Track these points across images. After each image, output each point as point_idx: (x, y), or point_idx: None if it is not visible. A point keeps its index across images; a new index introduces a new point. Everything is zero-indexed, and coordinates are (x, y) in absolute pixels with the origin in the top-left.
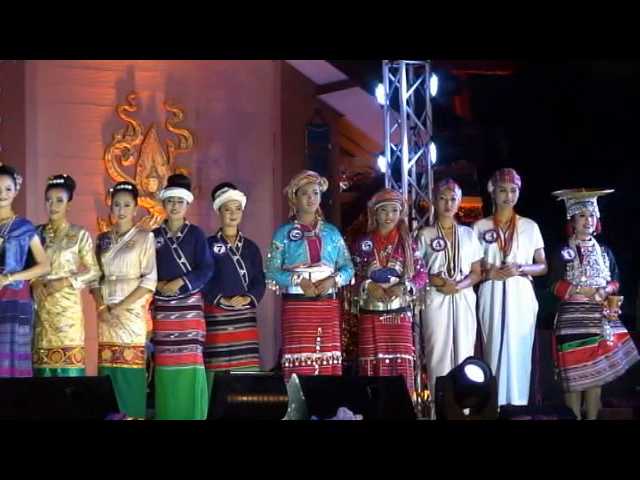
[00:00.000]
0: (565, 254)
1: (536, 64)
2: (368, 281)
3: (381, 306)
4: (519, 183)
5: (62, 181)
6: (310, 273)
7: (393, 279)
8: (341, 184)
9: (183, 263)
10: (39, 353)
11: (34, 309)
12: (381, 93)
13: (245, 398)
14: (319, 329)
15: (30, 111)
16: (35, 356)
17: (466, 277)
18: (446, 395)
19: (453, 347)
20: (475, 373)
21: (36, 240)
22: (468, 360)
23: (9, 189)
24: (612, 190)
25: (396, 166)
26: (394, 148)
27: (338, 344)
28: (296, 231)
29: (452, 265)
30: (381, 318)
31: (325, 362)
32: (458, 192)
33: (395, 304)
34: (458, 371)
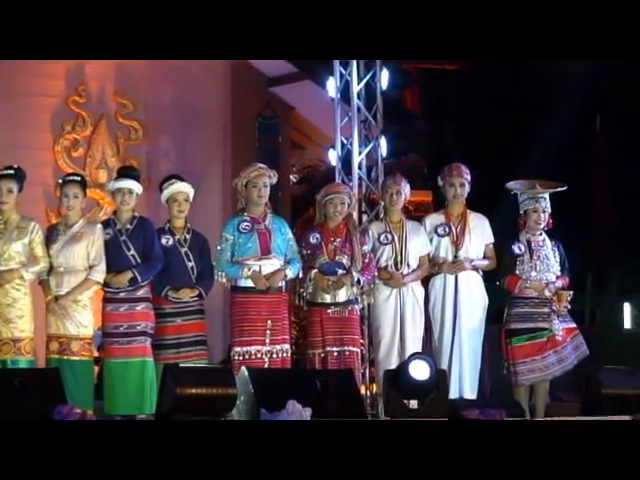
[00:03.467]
0: (516, 248)
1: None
2: (314, 271)
3: (328, 298)
4: (468, 178)
5: (12, 172)
6: (260, 266)
7: (340, 271)
8: (291, 177)
9: (132, 255)
10: None
11: None
12: (332, 86)
13: (194, 390)
14: (269, 322)
15: None
16: None
17: (413, 271)
18: (392, 391)
19: (400, 340)
20: (420, 369)
21: None
22: (413, 356)
23: None
24: (566, 187)
25: (346, 159)
26: (344, 141)
27: (287, 337)
28: (246, 223)
29: (399, 259)
30: (329, 311)
31: (275, 355)
32: (405, 186)
33: (342, 296)
34: (403, 367)
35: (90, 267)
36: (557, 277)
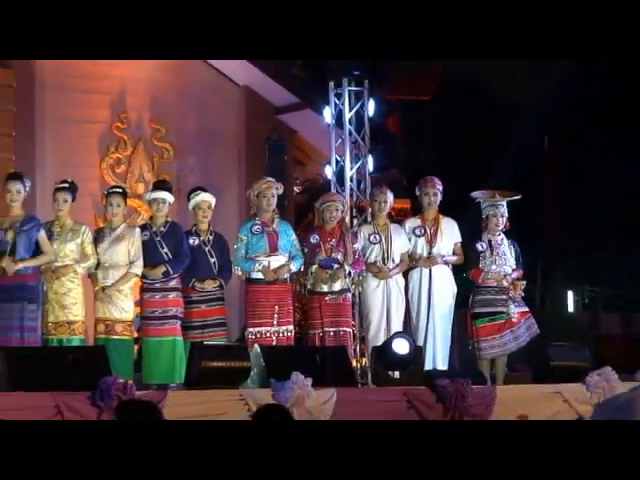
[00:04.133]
0: (479, 246)
1: (449, 91)
2: (315, 266)
3: (326, 288)
4: (440, 188)
5: (67, 185)
6: (269, 261)
7: (336, 266)
8: (295, 188)
9: (165, 253)
10: (48, 326)
11: (43, 290)
12: (328, 114)
13: (215, 364)
14: (276, 307)
15: (39, 128)
16: (44, 329)
17: (397, 265)
18: (378, 364)
19: (386, 322)
20: (401, 345)
21: (42, 234)
22: (396, 334)
23: (19, 192)
24: (520, 196)
25: (340, 174)
26: (338, 159)
27: (291, 320)
28: (257, 226)
29: (386, 255)
30: (326, 298)
31: (281, 334)
32: (390, 196)
33: (337, 286)
34: (387, 344)
35: (130, 263)
36: (513, 270)
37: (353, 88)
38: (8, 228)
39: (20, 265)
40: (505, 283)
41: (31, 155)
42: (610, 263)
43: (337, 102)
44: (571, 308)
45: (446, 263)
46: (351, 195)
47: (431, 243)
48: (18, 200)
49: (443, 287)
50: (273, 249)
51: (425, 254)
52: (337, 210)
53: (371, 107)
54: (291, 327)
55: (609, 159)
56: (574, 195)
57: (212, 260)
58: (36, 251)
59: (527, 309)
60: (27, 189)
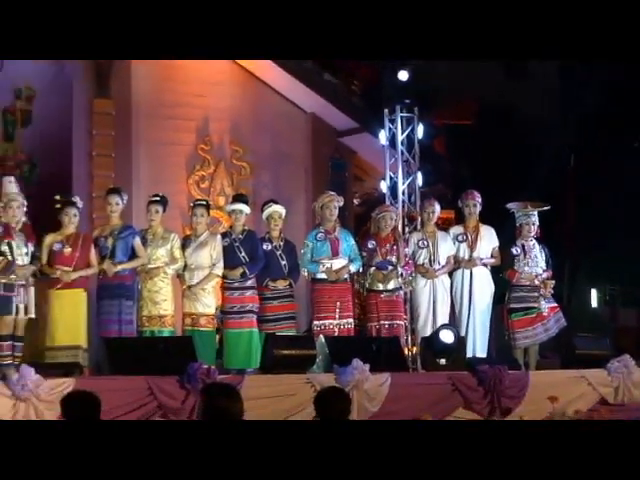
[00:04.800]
0: (513, 250)
1: (486, 116)
2: (372, 268)
3: (381, 287)
4: (479, 200)
5: (159, 198)
6: (332, 264)
7: (390, 268)
8: (354, 201)
9: (243, 256)
10: (142, 319)
11: (138, 289)
12: (383, 136)
13: (286, 352)
14: (338, 303)
15: (135, 150)
16: (139, 322)
17: (442, 267)
18: (427, 352)
19: (433, 315)
20: (447, 335)
21: (137, 240)
22: (442, 326)
23: (118, 204)
24: (549, 207)
25: (393, 188)
26: (392, 175)
27: (351, 314)
28: (321, 234)
29: (432, 258)
30: (382, 295)
31: (342, 327)
32: (437, 207)
33: (391, 285)
34: (435, 334)
35: (212, 265)
36: (543, 271)
37: (405, 114)
38: (108, 235)
39: (118, 267)
40: (536, 282)
41: (128, 173)
42: (627, 265)
43: (391, 126)
44: (594, 304)
45: (485, 265)
46: (403, 206)
47: (472, 247)
48: (117, 211)
49: (482, 286)
50: (335, 253)
51: (467, 257)
52: (391, 219)
53: (420, 130)
54: (351, 320)
55: (625, 173)
56: (595, 206)
57: (283, 263)
58: (132, 255)
59: (556, 305)
60: (124, 202)
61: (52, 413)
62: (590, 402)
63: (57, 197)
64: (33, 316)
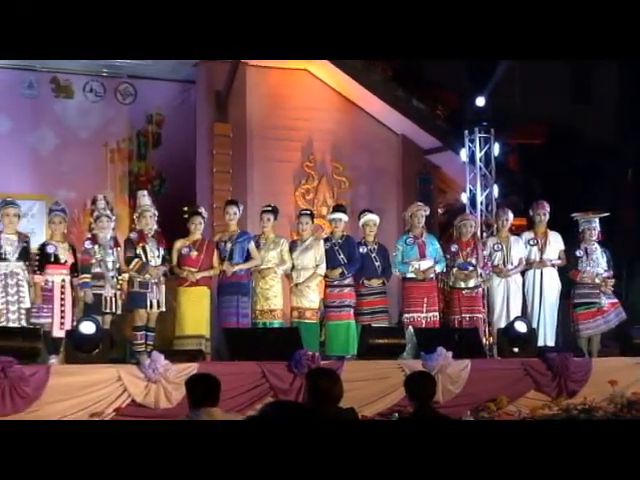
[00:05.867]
0: (577, 253)
1: (555, 136)
2: (455, 268)
3: (463, 284)
4: (548, 209)
5: (270, 208)
6: (419, 264)
7: (470, 268)
8: (439, 210)
9: (342, 258)
10: (255, 313)
11: (252, 286)
12: (463, 154)
13: (380, 341)
14: (425, 299)
15: (249, 167)
16: (253, 315)
17: (515, 267)
18: (503, 341)
19: (507, 309)
20: (521, 326)
21: (252, 244)
22: (516, 318)
23: (235, 213)
24: (608, 214)
25: (473, 199)
26: (472, 188)
27: (437, 308)
28: (410, 239)
29: (506, 260)
30: (463, 292)
31: (429, 319)
32: (510, 215)
33: (471, 283)
34: (510, 325)
35: (316, 266)
36: (605, 271)
37: (482, 135)
38: (227, 240)
39: (236, 268)
40: (598, 281)
41: (243, 186)
42: None
43: (470, 145)
44: None
45: (553, 266)
46: (481, 215)
47: (542, 250)
48: (234, 219)
49: (551, 284)
50: (422, 255)
51: (537, 259)
52: (471, 226)
53: (496, 149)
54: (436, 314)
55: None
56: None
57: (377, 264)
58: (247, 257)
59: (616, 300)
60: (241, 211)
61: (178, 393)
62: None
63: (185, 208)
64: (164, 309)
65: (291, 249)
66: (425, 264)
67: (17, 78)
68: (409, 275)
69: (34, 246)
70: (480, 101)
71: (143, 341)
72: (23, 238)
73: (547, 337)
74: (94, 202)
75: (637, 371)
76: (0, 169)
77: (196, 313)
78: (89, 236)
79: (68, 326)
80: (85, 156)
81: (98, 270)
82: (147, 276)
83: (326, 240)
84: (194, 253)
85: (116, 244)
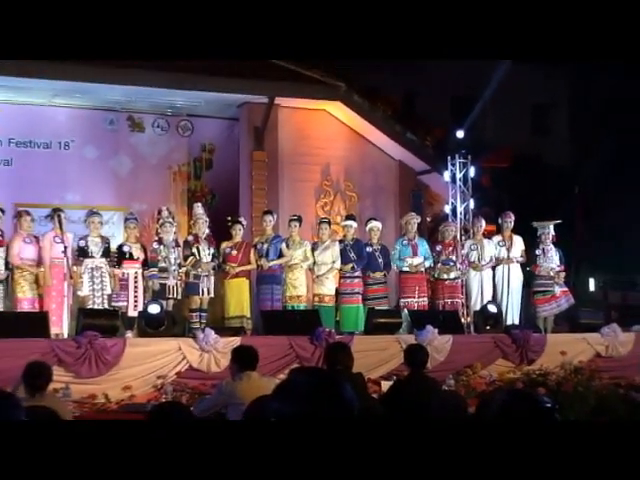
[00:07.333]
0: (536, 252)
1: (519, 160)
2: (440, 264)
3: (445, 276)
4: (513, 218)
5: (296, 217)
6: (412, 261)
7: (451, 264)
8: (427, 219)
9: (352, 256)
10: (285, 298)
11: (284, 278)
12: (447, 175)
13: (382, 320)
14: (416, 287)
15: (280, 186)
16: (284, 299)
17: (487, 263)
18: (478, 319)
19: (481, 296)
20: (492, 308)
21: (283, 245)
22: (489, 302)
23: (270, 221)
24: (560, 221)
25: (454, 210)
26: (453, 201)
27: (426, 295)
28: (405, 241)
29: (480, 257)
30: (446, 282)
31: (419, 303)
32: (483, 223)
33: (452, 275)
34: (484, 308)
35: (333, 262)
36: (557, 266)
37: (462, 160)
38: (264, 242)
39: (271, 263)
40: (552, 273)
41: (276, 200)
42: (614, 262)
43: (452, 168)
44: (592, 288)
45: (517, 262)
46: (460, 222)
47: (508, 250)
48: (269, 226)
49: (516, 276)
50: (415, 254)
51: (505, 257)
52: (452, 231)
53: (472, 171)
54: (425, 299)
55: (617, 195)
56: (594, 222)
57: (380, 260)
58: (280, 255)
59: (566, 288)
60: (274, 219)
61: (225, 360)
62: (588, 355)
63: (229, 218)
64: (213, 296)
65: (313, 249)
66: (417, 260)
67: (101, 117)
68: (404, 269)
69: (114, 246)
70: (460, 133)
71: (198, 320)
72: (105, 240)
73: (513, 317)
74: (160, 212)
75: (582, 344)
76: (88, 187)
77: (238, 298)
78: (156, 238)
79: (140, 308)
80: (153, 177)
81: (163, 265)
82: (200, 270)
83: (340, 242)
84: (235, 252)
85: (177, 244)
